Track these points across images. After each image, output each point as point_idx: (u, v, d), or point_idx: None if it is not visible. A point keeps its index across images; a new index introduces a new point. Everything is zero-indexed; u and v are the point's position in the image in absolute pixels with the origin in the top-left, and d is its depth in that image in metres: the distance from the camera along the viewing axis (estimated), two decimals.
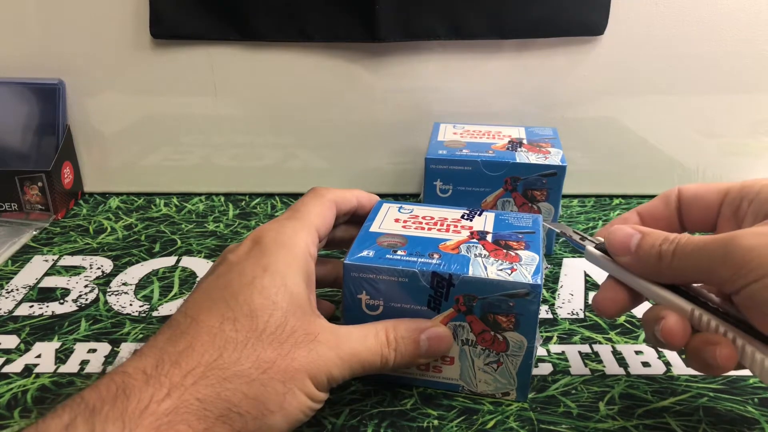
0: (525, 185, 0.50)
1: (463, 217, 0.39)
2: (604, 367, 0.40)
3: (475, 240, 0.36)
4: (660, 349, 0.41)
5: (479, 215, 0.39)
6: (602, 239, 0.34)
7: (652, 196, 0.64)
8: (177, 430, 0.26)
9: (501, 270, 0.34)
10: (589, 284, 0.49)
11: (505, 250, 0.35)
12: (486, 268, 0.34)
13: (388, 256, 0.35)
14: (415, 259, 0.34)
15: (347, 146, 0.63)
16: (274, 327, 0.29)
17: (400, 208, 0.41)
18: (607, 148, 0.63)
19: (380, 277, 0.34)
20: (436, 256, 0.35)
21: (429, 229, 0.38)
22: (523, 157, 0.50)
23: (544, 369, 0.39)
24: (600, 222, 0.59)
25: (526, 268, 0.34)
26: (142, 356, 0.28)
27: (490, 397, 0.37)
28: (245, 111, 0.62)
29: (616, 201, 0.64)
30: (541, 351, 0.41)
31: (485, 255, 0.35)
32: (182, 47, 0.59)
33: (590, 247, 0.35)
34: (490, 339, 0.35)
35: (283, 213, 0.36)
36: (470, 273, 0.33)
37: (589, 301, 0.47)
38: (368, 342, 0.32)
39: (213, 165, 0.64)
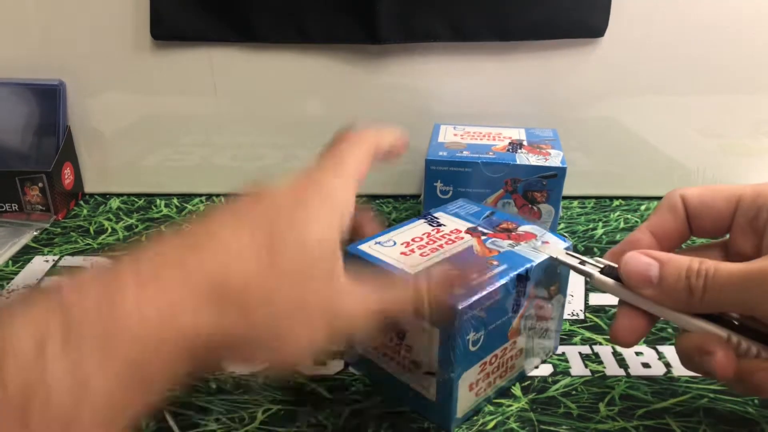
0: (525, 187, 0.50)
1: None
2: (604, 368, 0.40)
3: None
4: (660, 351, 0.41)
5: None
6: (608, 262, 0.32)
7: (652, 197, 0.65)
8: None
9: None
10: (589, 285, 0.49)
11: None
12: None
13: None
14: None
15: None
16: (304, 263, 0.27)
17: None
18: (607, 150, 0.63)
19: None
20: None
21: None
22: (524, 158, 0.50)
23: (545, 370, 0.39)
24: (600, 223, 0.59)
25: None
26: (140, 258, 0.24)
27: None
28: (245, 111, 0.62)
29: (617, 202, 0.64)
30: None
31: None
32: (182, 48, 0.59)
33: (599, 275, 0.31)
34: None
35: (319, 159, 0.34)
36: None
37: (590, 302, 0.47)
38: (397, 297, 0.30)
39: (213, 165, 0.64)
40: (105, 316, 0.22)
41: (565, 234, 0.57)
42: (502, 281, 0.33)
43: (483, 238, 0.37)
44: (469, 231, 0.38)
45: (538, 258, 0.35)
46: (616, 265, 0.31)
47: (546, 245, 0.36)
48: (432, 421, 0.35)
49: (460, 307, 0.31)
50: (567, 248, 0.36)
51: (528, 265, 0.34)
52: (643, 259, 0.30)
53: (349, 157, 0.33)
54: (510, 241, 0.36)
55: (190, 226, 0.27)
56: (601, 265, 0.32)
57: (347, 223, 0.31)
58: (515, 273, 0.34)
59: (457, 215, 0.40)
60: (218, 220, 0.27)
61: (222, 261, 0.25)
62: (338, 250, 0.29)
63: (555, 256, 0.34)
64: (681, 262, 0.29)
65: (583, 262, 0.32)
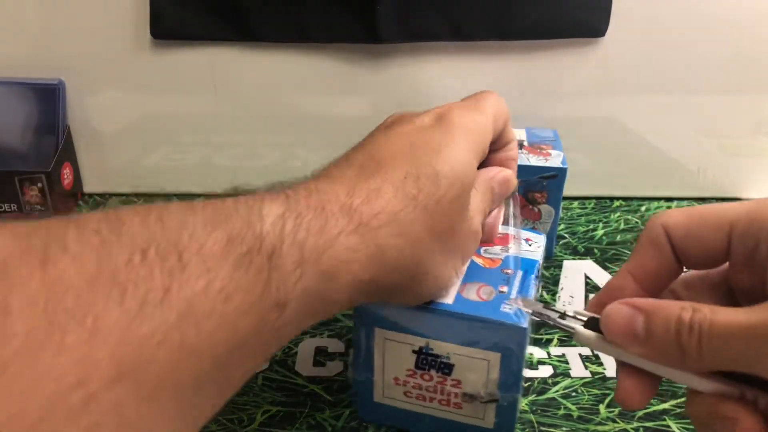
0: (525, 187, 0.50)
1: None
2: (604, 369, 0.40)
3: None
4: None
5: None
6: (591, 314, 0.27)
7: (652, 198, 0.65)
8: (350, 268, 0.25)
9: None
10: (590, 286, 0.49)
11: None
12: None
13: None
14: None
15: (347, 147, 0.62)
16: (451, 197, 0.28)
17: None
18: (608, 150, 0.63)
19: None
20: None
21: None
22: (524, 159, 0.50)
23: (545, 371, 0.39)
24: (600, 224, 0.59)
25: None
26: (335, 181, 0.28)
27: None
28: (245, 111, 0.62)
29: (617, 203, 0.63)
30: (541, 353, 0.41)
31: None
32: (182, 47, 0.59)
33: (582, 329, 0.27)
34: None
35: (462, 101, 0.34)
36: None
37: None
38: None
39: (213, 165, 0.64)
40: (319, 218, 0.25)
41: (566, 234, 0.57)
42: (533, 284, 0.33)
43: (477, 250, 0.36)
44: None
45: (538, 255, 0.35)
46: (597, 316, 0.27)
47: (519, 300, 0.32)
48: None
49: (525, 326, 0.30)
50: (538, 240, 0.37)
51: (537, 266, 0.35)
52: (624, 311, 0.25)
53: (492, 103, 0.34)
54: (500, 247, 0.36)
55: (356, 152, 0.30)
56: (584, 318, 0.27)
57: (486, 152, 0.33)
58: (533, 276, 0.34)
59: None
60: (377, 149, 0.30)
61: (390, 192, 0.27)
62: (473, 179, 0.30)
63: (533, 311, 0.30)
64: (669, 312, 0.24)
65: (563, 316, 0.28)
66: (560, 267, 0.51)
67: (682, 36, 0.58)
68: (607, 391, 0.38)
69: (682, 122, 0.62)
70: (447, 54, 0.59)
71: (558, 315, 0.28)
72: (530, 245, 0.37)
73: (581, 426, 0.35)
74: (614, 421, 0.35)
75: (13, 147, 0.59)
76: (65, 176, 0.60)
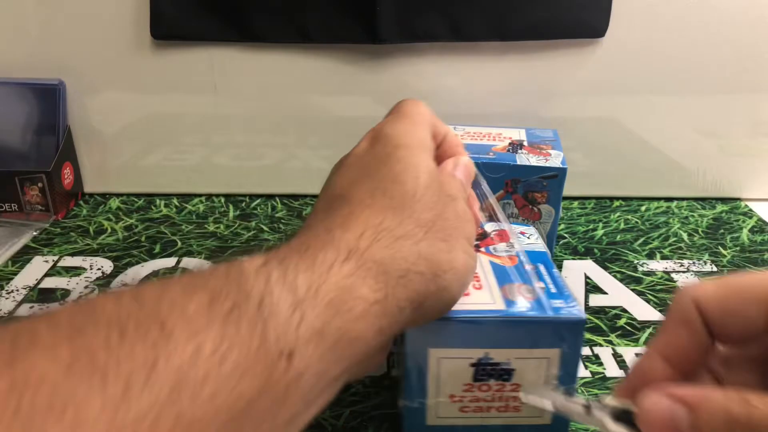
0: (525, 187, 0.50)
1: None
2: (604, 369, 0.40)
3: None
4: None
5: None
6: (617, 404, 0.23)
7: (652, 198, 0.65)
8: (359, 293, 0.24)
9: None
10: (590, 286, 0.49)
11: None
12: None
13: None
14: None
15: (348, 147, 0.62)
16: (424, 189, 0.28)
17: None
18: (607, 150, 0.63)
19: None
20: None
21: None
22: (524, 159, 0.50)
23: None
24: (600, 224, 0.59)
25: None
26: (309, 227, 0.27)
27: None
28: (245, 111, 0.62)
29: (617, 203, 0.63)
30: None
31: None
32: (182, 48, 0.59)
33: (613, 426, 0.23)
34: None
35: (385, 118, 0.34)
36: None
37: (590, 303, 0.47)
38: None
39: (213, 165, 0.64)
40: (336, 295, 0.24)
41: (566, 234, 0.57)
42: (559, 276, 0.34)
43: (484, 249, 0.36)
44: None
45: (541, 246, 0.37)
46: (630, 407, 0.23)
47: (534, 396, 0.29)
48: None
49: (584, 318, 0.31)
50: (530, 231, 0.38)
51: (548, 256, 0.35)
52: (664, 405, 0.22)
53: (414, 108, 0.33)
54: (504, 243, 0.37)
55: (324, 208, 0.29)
56: (613, 407, 0.23)
57: (431, 145, 0.32)
58: (552, 269, 0.34)
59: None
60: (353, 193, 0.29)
61: (385, 240, 0.26)
62: (434, 164, 0.30)
63: (553, 403, 0.26)
64: (717, 405, 0.21)
65: (588, 408, 0.24)
66: (560, 267, 0.51)
67: (681, 36, 0.58)
68: (607, 391, 0.38)
69: (682, 122, 0.62)
70: (447, 54, 0.59)
71: (582, 407, 0.24)
72: (528, 238, 0.38)
73: (581, 426, 0.35)
74: None
75: (14, 147, 0.59)
76: (65, 176, 0.60)
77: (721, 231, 0.58)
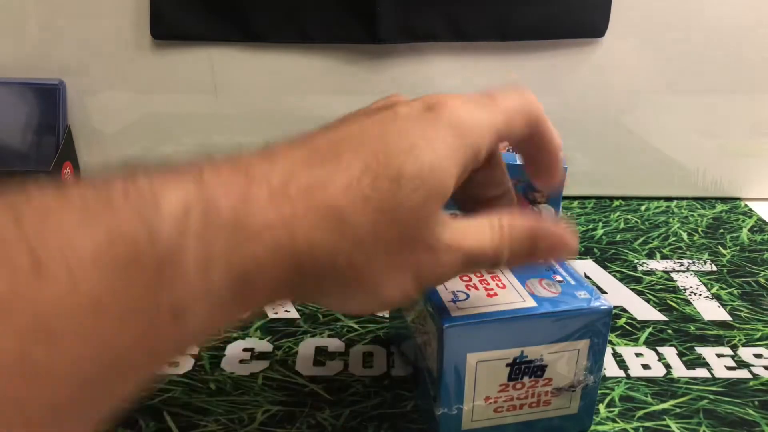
0: (525, 187, 0.50)
1: None
2: (604, 369, 0.40)
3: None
4: (660, 352, 0.41)
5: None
6: None
7: (652, 197, 0.65)
8: (271, 273, 0.22)
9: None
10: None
11: None
12: None
13: None
14: None
15: None
16: (412, 205, 0.25)
17: None
18: (607, 150, 0.63)
19: None
20: None
21: None
22: None
23: None
24: (600, 224, 0.59)
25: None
26: (275, 161, 0.24)
27: None
28: (245, 111, 0.62)
29: (617, 203, 0.64)
30: None
31: None
32: (182, 48, 0.59)
33: None
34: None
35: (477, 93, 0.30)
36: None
37: None
38: (484, 239, 0.27)
39: None
40: (238, 208, 0.21)
41: None
42: (573, 269, 0.34)
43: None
44: None
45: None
46: None
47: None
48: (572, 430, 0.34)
49: (611, 306, 0.31)
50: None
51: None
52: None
53: (507, 99, 0.29)
54: None
55: (320, 133, 0.27)
56: None
57: (480, 160, 0.28)
58: (564, 262, 0.35)
59: None
60: (343, 135, 0.26)
61: (339, 186, 0.24)
62: (448, 187, 0.26)
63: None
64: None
65: None
66: None
67: (681, 36, 0.58)
68: (607, 391, 0.38)
69: (682, 122, 0.62)
70: (447, 54, 0.59)
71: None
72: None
73: (605, 416, 0.35)
74: (614, 421, 0.35)
75: (14, 147, 0.59)
76: (66, 176, 0.60)
77: (721, 230, 0.58)
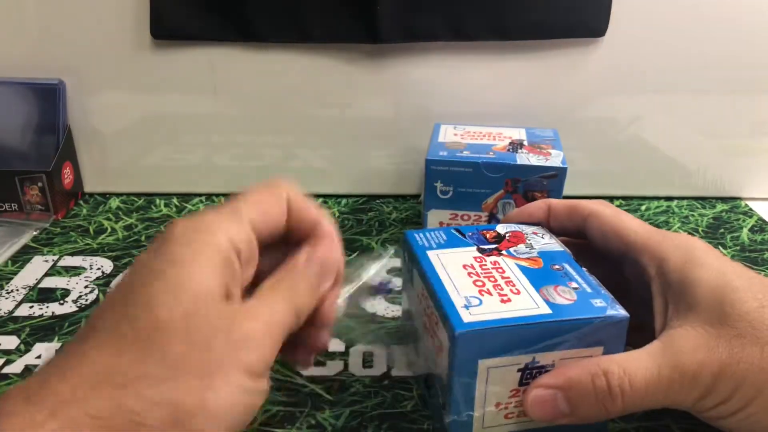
0: (526, 187, 0.50)
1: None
2: None
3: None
4: None
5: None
6: None
7: (652, 197, 0.65)
8: None
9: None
10: None
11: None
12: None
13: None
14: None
15: (347, 146, 0.63)
16: (180, 316, 0.23)
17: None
18: (607, 150, 0.63)
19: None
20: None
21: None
22: (524, 158, 0.50)
23: None
24: None
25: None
26: (32, 376, 0.23)
27: None
28: (245, 111, 0.62)
29: (617, 202, 0.63)
30: None
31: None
32: (182, 47, 0.59)
33: None
34: None
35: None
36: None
37: None
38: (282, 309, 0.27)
39: (213, 165, 0.64)
40: None
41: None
42: (590, 274, 0.34)
43: (506, 252, 0.36)
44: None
45: (558, 245, 0.37)
46: None
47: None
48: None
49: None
50: (541, 231, 0.38)
51: (569, 254, 0.35)
52: (543, 395, 0.30)
53: (246, 194, 0.29)
54: (523, 245, 0.36)
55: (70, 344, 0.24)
56: None
57: (248, 271, 0.27)
58: (580, 269, 0.34)
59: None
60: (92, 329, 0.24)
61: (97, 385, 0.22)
62: (217, 306, 0.24)
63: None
64: (585, 382, 0.29)
65: None
66: None
67: (682, 36, 0.58)
68: None
69: (682, 122, 0.62)
70: (447, 54, 0.59)
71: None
72: (543, 237, 0.37)
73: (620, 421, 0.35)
74: (614, 422, 0.35)
75: (14, 147, 0.59)
76: (65, 176, 0.60)
77: (722, 230, 0.58)
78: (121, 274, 0.28)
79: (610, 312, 0.31)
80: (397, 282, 0.48)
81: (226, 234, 0.26)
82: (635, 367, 0.28)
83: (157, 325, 0.23)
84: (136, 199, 0.64)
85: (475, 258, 0.35)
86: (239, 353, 0.24)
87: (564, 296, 0.32)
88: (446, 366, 0.31)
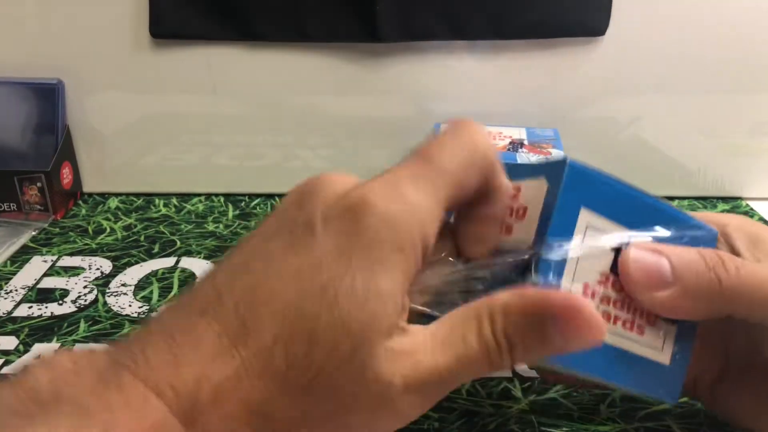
0: None
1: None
2: None
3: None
4: None
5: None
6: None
7: None
8: None
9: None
10: None
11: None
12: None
13: None
14: None
15: (347, 146, 0.63)
16: (333, 367, 0.20)
17: None
18: (607, 149, 0.63)
19: None
20: None
21: None
22: (524, 158, 0.50)
23: None
24: None
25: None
26: (178, 366, 0.20)
27: None
28: (245, 111, 0.61)
29: None
30: None
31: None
32: (182, 47, 0.59)
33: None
34: None
35: (407, 158, 0.25)
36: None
37: None
38: (466, 349, 0.21)
39: (213, 165, 0.64)
40: None
41: None
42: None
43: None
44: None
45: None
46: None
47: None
48: (657, 397, 0.28)
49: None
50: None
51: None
52: (644, 254, 0.25)
53: (446, 153, 0.23)
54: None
55: (226, 288, 0.21)
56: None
57: (430, 247, 0.22)
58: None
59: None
60: (248, 289, 0.21)
61: (254, 373, 0.20)
62: (388, 315, 0.21)
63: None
64: (692, 255, 0.26)
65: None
66: None
67: (681, 36, 0.58)
68: (607, 391, 0.37)
69: (682, 122, 0.62)
70: (447, 53, 0.58)
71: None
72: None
73: (582, 426, 0.35)
74: (615, 421, 0.35)
75: (13, 147, 0.59)
76: (65, 176, 0.60)
77: None
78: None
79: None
80: None
81: (422, 231, 0.22)
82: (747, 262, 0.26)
83: (310, 370, 0.20)
84: (135, 199, 0.64)
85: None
86: (393, 421, 0.22)
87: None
88: (534, 229, 0.25)
